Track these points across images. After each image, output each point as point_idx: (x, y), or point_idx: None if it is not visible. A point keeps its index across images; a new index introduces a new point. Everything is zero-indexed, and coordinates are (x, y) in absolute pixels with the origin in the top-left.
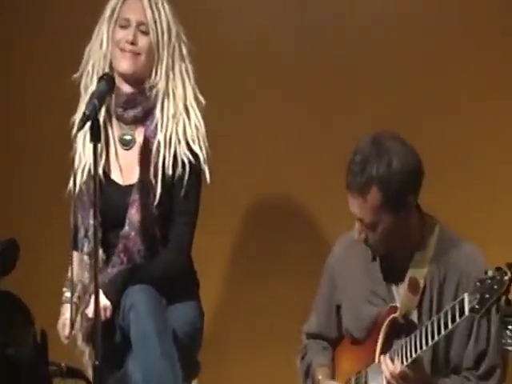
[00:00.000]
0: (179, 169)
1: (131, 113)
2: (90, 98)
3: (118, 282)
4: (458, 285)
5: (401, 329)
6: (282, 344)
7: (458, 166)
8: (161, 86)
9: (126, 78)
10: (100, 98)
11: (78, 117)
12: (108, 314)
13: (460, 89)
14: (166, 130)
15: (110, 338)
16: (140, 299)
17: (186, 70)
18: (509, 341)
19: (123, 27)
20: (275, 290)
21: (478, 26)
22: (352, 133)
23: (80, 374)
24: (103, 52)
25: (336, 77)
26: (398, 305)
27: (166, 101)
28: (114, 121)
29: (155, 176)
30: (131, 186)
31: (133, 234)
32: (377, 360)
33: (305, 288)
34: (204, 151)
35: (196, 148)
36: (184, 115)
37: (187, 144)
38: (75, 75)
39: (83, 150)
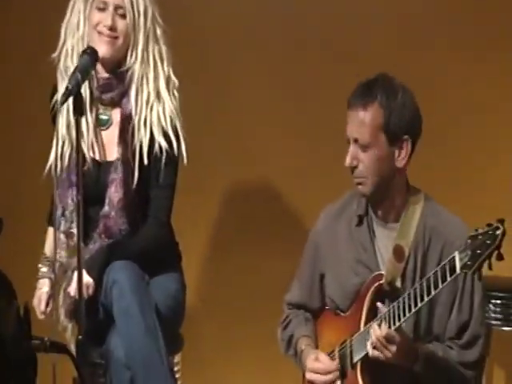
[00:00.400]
0: (156, 152)
1: (109, 95)
2: (73, 72)
3: (100, 258)
4: (441, 253)
5: (385, 296)
6: (265, 314)
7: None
8: (136, 68)
9: (103, 62)
10: (83, 71)
11: (58, 97)
12: (90, 291)
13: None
14: (141, 115)
15: (92, 315)
16: (123, 275)
17: (160, 53)
18: (492, 315)
19: (100, 10)
20: (257, 260)
21: None
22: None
23: (63, 348)
24: (80, 34)
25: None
26: (384, 272)
27: (139, 85)
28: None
29: (133, 156)
30: (109, 162)
31: (113, 213)
32: (362, 328)
33: (287, 257)
34: (180, 135)
35: (171, 133)
36: (157, 101)
37: (162, 130)
38: (54, 55)
39: (62, 128)
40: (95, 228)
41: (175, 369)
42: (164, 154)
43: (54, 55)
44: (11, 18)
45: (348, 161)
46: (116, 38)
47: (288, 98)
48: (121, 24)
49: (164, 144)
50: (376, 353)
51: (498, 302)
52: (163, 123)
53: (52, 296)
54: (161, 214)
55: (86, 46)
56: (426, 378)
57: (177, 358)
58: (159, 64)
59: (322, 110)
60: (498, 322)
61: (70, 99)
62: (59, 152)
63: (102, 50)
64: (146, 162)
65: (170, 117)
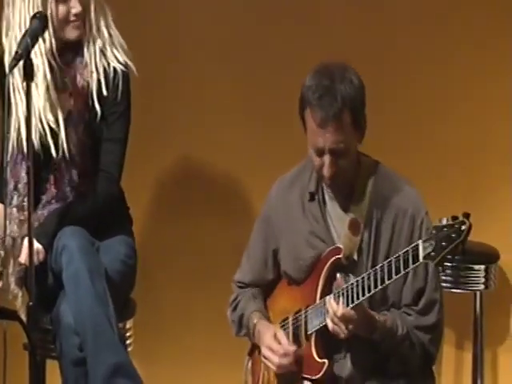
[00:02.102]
0: (111, 82)
1: (64, 58)
2: (23, 37)
3: (49, 224)
4: (394, 221)
5: (342, 270)
6: (218, 281)
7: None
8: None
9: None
10: (33, 36)
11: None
12: (41, 257)
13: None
14: (95, 60)
15: (42, 282)
16: (72, 241)
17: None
18: (442, 277)
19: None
20: (209, 230)
21: None
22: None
23: (13, 315)
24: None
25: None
26: (341, 246)
27: (90, 37)
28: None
29: (86, 105)
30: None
31: (63, 164)
32: (318, 300)
33: (242, 224)
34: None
35: (124, 57)
36: (109, 41)
37: (115, 58)
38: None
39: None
40: (46, 190)
41: (127, 334)
42: (120, 82)
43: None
44: None
45: (331, 173)
46: (82, 17)
47: (244, 66)
48: (81, 4)
49: (119, 68)
50: (335, 328)
51: (449, 264)
52: (118, 56)
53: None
54: (112, 169)
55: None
56: (385, 345)
57: (128, 324)
58: (105, 6)
59: (278, 82)
60: (448, 285)
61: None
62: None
63: (76, 34)
64: (104, 92)
65: (123, 50)
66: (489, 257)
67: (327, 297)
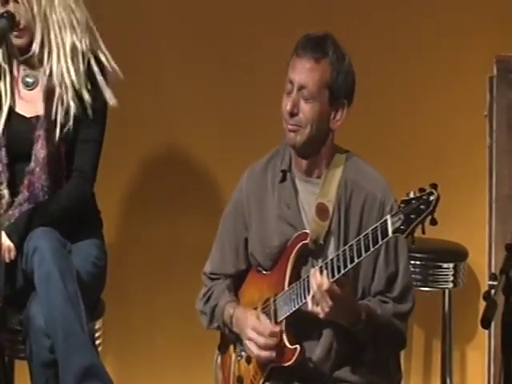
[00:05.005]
0: (85, 100)
1: (25, 56)
2: None
3: (21, 223)
4: (363, 205)
5: (310, 255)
6: (185, 281)
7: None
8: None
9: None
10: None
11: None
12: (12, 255)
13: None
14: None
15: (12, 281)
16: (44, 242)
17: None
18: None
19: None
20: (176, 229)
21: None
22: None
23: None
24: None
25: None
26: (308, 231)
27: (54, 44)
28: (16, 63)
29: (57, 111)
30: (36, 117)
31: (38, 169)
32: (286, 287)
33: (209, 224)
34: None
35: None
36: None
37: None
38: None
39: None
40: (19, 193)
41: (96, 335)
42: (91, 104)
43: None
44: None
45: (289, 107)
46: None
47: (211, 61)
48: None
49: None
50: (315, 308)
51: (418, 262)
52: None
53: None
54: (87, 170)
55: None
56: (365, 333)
57: (98, 324)
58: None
59: (245, 75)
60: (417, 283)
61: None
62: None
63: (18, 43)
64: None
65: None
66: (457, 255)
67: (312, 269)
